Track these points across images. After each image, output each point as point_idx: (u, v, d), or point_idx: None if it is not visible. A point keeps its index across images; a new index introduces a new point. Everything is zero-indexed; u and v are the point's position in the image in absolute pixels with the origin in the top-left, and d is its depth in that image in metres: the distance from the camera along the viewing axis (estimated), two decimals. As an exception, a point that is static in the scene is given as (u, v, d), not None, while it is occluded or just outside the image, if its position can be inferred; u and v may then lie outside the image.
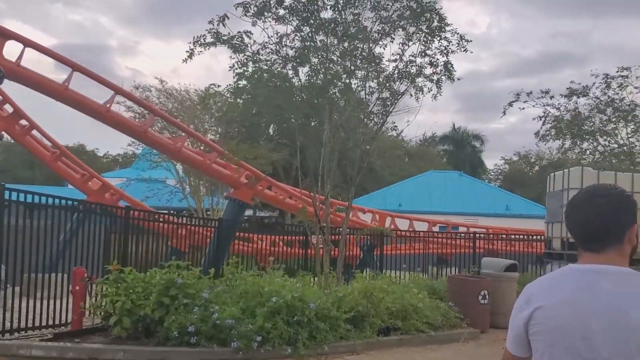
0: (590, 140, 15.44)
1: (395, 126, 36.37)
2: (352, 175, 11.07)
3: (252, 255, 15.95)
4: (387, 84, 11.39)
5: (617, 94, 14.58)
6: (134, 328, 8.20)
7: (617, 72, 14.41)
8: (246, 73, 9.60)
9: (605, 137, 15.37)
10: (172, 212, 21.84)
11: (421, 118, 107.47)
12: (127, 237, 11.23)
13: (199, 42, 9.66)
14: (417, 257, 17.55)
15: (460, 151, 58.83)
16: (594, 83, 14.77)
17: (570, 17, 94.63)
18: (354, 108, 11.38)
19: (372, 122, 12.09)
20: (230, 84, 9.45)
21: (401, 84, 11.42)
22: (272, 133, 32.21)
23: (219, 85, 9.36)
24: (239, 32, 9.64)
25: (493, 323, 11.02)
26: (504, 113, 15.56)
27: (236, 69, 9.63)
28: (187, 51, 9.76)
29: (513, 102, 15.22)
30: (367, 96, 11.72)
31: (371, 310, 8.99)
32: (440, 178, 38.34)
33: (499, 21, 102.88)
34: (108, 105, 13.58)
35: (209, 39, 9.69)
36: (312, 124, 12.41)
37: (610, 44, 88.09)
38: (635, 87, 14.22)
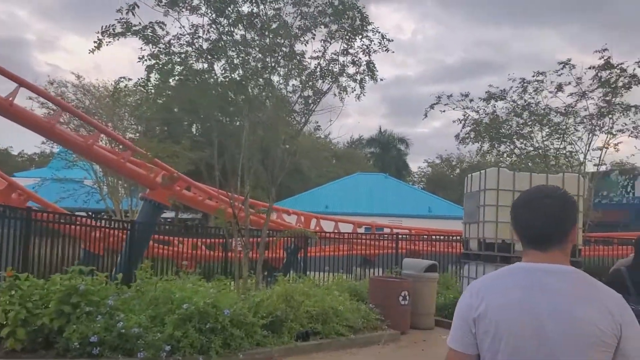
0: (508, 143, 15.83)
1: (319, 126, 36.33)
2: (274, 175, 10.73)
3: (171, 259, 15.29)
4: (310, 82, 11.13)
5: (533, 98, 15.02)
6: (30, 340, 7.50)
7: (533, 76, 14.85)
8: (157, 66, 9.03)
9: (521, 140, 15.80)
10: (89, 213, 20.80)
11: (350, 121, 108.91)
12: (28, 240, 10.42)
13: (108, 33, 9.04)
14: (343, 259, 17.45)
15: (386, 154, 59.80)
16: (511, 87, 15.17)
17: (493, 26, 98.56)
18: (275, 106, 11.05)
19: (295, 121, 11.85)
20: (141, 78, 8.77)
21: (324, 82, 11.20)
22: (194, 132, 31.41)
23: (129, 79, 8.85)
24: (150, 22, 9.09)
25: (413, 324, 11.00)
26: (426, 115, 15.72)
27: (146, 60, 9.07)
28: (94, 42, 9.11)
29: (434, 104, 15.40)
30: (289, 94, 11.43)
31: (290, 315, 8.69)
32: (366, 180, 38.68)
33: (424, 28, 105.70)
34: (10, 99, 12.59)
35: (118, 29, 9.08)
36: (233, 121, 11.99)
37: (528, 53, 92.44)
38: (550, 92, 14.69)
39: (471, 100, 15.52)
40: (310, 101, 11.52)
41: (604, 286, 1.91)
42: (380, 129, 62.87)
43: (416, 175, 63.32)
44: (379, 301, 10.62)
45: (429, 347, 9.63)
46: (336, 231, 18.86)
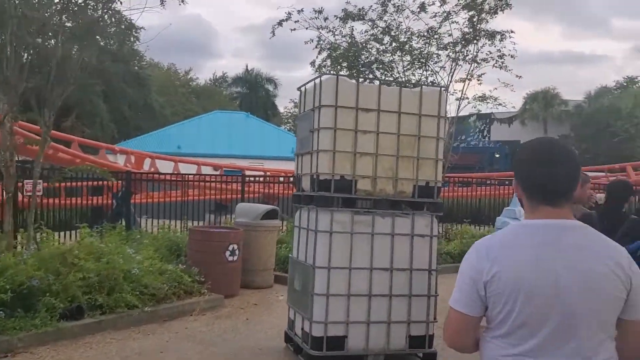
0: (367, 73, 13.99)
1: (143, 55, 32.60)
2: (53, 92, 7.87)
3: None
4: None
5: (395, 19, 13.20)
6: None
7: (395, -7, 12.95)
8: None
9: (382, 70, 14.05)
10: None
11: (224, 62, 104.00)
12: None
13: None
14: (192, 204, 15.05)
15: (253, 94, 56.84)
16: (371, 6, 13.19)
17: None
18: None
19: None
20: None
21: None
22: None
23: None
24: None
25: (246, 283, 8.97)
26: (273, 34, 13.35)
27: None
28: None
29: (283, 21, 13.06)
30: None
31: (55, 285, 6.19)
32: (225, 119, 35.73)
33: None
34: None
35: None
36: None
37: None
38: (413, 12, 12.92)
39: (326, 19, 13.37)
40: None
41: (612, 240, 1.93)
42: (247, 67, 59.22)
43: (283, 117, 61.25)
44: (199, 258, 8.40)
45: (257, 314, 7.63)
46: (173, 172, 16.29)
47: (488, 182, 16.80)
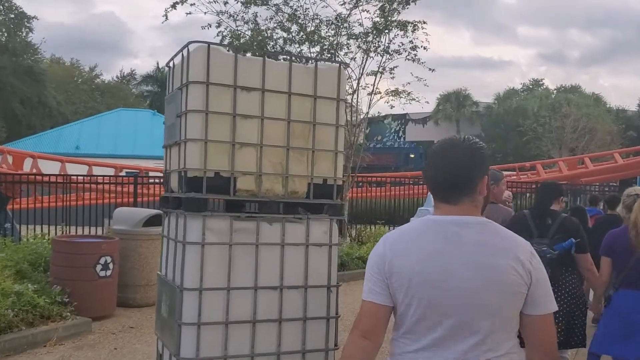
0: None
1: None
2: None
3: None
4: None
5: (301, 5, 12.22)
6: None
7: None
8: None
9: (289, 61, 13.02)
10: None
11: (137, 62, 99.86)
12: None
13: None
14: (91, 208, 13.53)
15: (164, 93, 54.20)
16: (275, -12, 12.15)
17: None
18: None
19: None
20: None
21: None
22: None
23: None
24: None
25: (123, 302, 7.68)
26: (166, 17, 11.98)
27: None
28: None
29: (177, 3, 11.74)
30: None
31: None
32: (130, 117, 33.50)
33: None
34: None
35: None
36: None
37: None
38: (321, -2, 11.98)
39: (226, 3, 12.18)
40: None
41: (514, 235, 1.95)
42: (157, 65, 56.35)
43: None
44: (63, 274, 7.01)
45: (131, 341, 6.35)
46: (63, 174, 14.49)
47: (403, 181, 16.31)
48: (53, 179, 13.02)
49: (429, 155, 2.01)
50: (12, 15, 28.26)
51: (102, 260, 7.11)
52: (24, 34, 29.83)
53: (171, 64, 4.82)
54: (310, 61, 5.81)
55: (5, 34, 28.43)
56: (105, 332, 6.64)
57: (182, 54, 4.45)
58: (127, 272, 7.66)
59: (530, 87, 52.29)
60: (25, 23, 28.99)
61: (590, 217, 7.86)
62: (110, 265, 7.20)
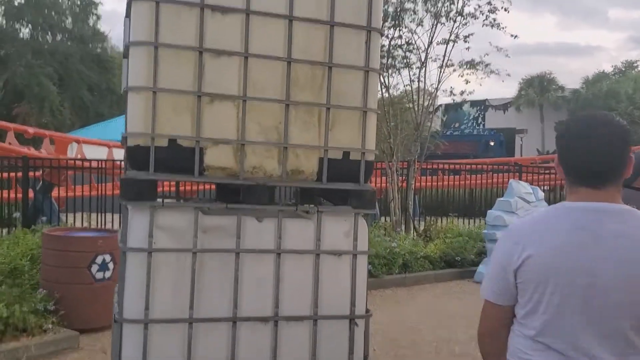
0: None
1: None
2: None
3: None
4: None
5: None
6: None
7: None
8: None
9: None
10: None
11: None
12: None
13: None
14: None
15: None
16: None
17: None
18: None
19: None
20: None
21: None
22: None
23: None
24: None
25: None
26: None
27: None
28: None
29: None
30: None
31: None
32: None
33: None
34: None
35: None
36: None
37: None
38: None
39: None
40: None
41: None
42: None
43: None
44: (52, 275, 5.78)
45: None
46: (107, 159, 13.57)
47: (481, 169, 14.56)
48: (94, 164, 12.01)
49: (561, 131, 1.79)
50: (78, 2, 28.27)
51: (98, 259, 5.81)
52: (92, 22, 29.87)
53: (125, 20, 3.31)
54: None
55: (71, 21, 28.52)
56: (96, 349, 5.34)
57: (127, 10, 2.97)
58: (136, 273, 6.37)
59: (623, 69, 48.00)
60: (92, 10, 29.00)
61: None
62: (110, 266, 5.90)
